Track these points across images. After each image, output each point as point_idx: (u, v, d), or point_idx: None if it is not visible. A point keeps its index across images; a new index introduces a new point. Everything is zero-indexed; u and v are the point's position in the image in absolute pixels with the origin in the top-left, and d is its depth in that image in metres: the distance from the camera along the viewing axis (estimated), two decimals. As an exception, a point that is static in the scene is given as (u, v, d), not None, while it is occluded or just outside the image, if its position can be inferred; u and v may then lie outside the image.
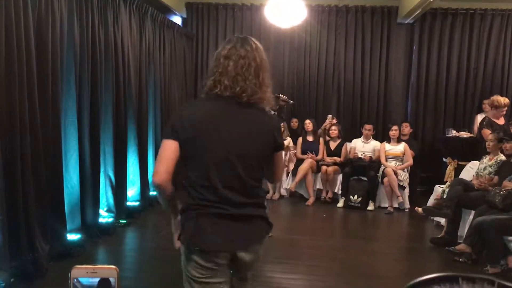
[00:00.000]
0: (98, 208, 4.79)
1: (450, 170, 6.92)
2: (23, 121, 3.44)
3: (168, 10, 7.61)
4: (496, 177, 5.04)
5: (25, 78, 3.46)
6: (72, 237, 4.22)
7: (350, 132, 7.83)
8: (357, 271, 4.25)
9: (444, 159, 7.17)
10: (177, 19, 8.15)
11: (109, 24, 4.89)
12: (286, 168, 7.39)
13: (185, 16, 8.46)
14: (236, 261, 1.90)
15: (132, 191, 5.72)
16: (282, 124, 7.20)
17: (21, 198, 3.43)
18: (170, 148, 1.82)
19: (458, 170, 6.60)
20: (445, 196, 5.24)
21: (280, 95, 5.05)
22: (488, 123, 6.15)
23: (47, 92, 3.77)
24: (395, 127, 6.95)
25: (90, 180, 4.52)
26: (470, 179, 5.50)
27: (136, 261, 4.52)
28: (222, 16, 8.38)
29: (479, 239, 4.34)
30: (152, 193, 6.06)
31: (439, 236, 5.10)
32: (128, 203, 5.59)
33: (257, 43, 1.98)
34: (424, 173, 7.75)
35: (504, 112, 6.27)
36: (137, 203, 5.73)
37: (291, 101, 5.26)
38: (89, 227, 4.57)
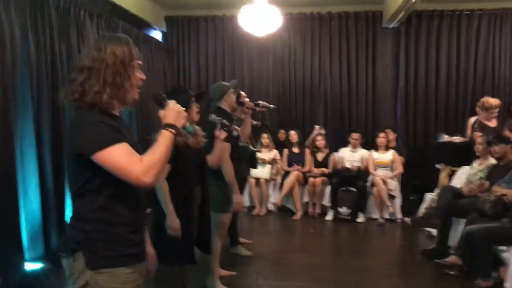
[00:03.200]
0: (65, 233, 4.51)
1: (443, 176, 6.62)
2: None
3: (147, 25, 7.42)
4: (487, 182, 4.75)
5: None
6: (33, 266, 3.95)
7: (338, 142, 7.57)
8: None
9: (437, 166, 6.89)
10: (157, 34, 7.97)
11: (71, 41, 4.67)
12: (273, 182, 7.14)
13: (165, 30, 8.27)
14: None
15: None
16: (266, 135, 6.99)
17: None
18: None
19: (452, 176, 6.32)
20: (434, 205, 4.96)
21: (259, 101, 4.83)
22: (479, 126, 5.91)
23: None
24: (382, 135, 6.70)
25: (53, 204, 4.26)
26: (462, 186, 5.23)
27: None
28: (203, 28, 8.19)
29: (470, 250, 4.05)
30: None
31: (430, 247, 4.81)
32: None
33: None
34: (417, 180, 7.47)
35: (496, 114, 6.03)
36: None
37: (272, 106, 5.00)
38: (54, 255, 4.29)
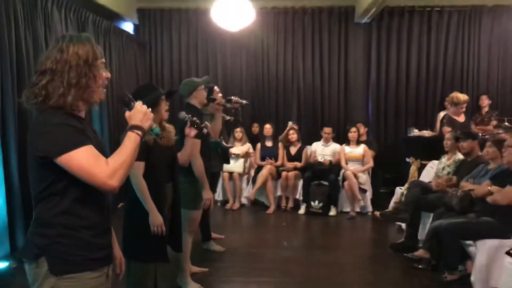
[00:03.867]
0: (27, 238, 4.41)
1: (413, 170, 6.73)
2: None
3: (117, 17, 7.27)
4: (455, 178, 4.85)
5: None
6: (-1, 265, 3.86)
7: (311, 136, 7.61)
8: (309, 285, 4.00)
9: (407, 159, 7.00)
10: (128, 26, 7.82)
11: (38, 33, 4.55)
12: (247, 176, 7.14)
13: (137, 22, 8.13)
14: None
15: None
16: (239, 129, 6.97)
17: None
18: None
19: (422, 170, 6.43)
20: (403, 199, 5.04)
21: (232, 96, 4.80)
22: (448, 121, 6.00)
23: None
24: (353, 129, 6.77)
25: (19, 202, 4.15)
26: (431, 180, 5.32)
27: None
28: (175, 21, 8.09)
29: (437, 244, 4.13)
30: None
31: (399, 241, 4.89)
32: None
33: None
34: (389, 174, 7.60)
35: (464, 109, 6.13)
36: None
37: (245, 101, 4.95)
38: (20, 253, 4.20)
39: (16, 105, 4.13)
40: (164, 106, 2.92)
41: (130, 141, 1.72)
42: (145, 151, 2.64)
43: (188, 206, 3.62)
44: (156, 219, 2.73)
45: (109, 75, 1.83)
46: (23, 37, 4.30)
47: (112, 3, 6.78)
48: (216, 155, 4.54)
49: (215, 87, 4.53)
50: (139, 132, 1.75)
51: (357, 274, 4.33)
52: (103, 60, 1.80)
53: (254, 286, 3.97)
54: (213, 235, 5.10)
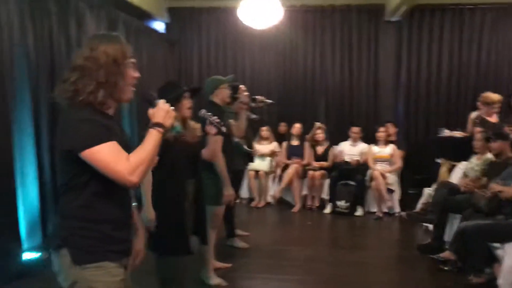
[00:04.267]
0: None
1: (443, 171, 6.59)
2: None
3: (149, 16, 7.41)
4: (485, 179, 4.74)
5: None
6: (31, 255, 4.00)
7: (339, 135, 7.55)
8: (333, 284, 3.99)
9: (438, 160, 6.87)
10: (159, 25, 7.96)
11: (70, 32, 4.69)
12: (273, 174, 7.15)
13: (168, 21, 8.26)
14: None
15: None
16: (265, 127, 7.00)
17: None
18: None
19: (453, 171, 6.30)
20: (431, 200, 4.96)
21: (257, 96, 4.76)
22: (480, 121, 5.87)
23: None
24: (382, 129, 6.69)
25: (51, 194, 4.30)
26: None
27: None
28: (205, 20, 8.18)
29: (464, 246, 4.05)
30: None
31: (426, 242, 4.82)
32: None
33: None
34: (418, 175, 7.46)
35: (497, 109, 5.99)
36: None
37: (270, 101, 4.92)
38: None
39: (49, 101, 4.27)
40: (186, 103, 2.95)
41: (152, 138, 1.76)
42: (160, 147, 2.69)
43: (210, 202, 3.66)
44: (149, 214, 2.73)
45: (138, 74, 1.85)
46: (55, 36, 4.44)
47: (143, 2, 6.91)
48: (239, 153, 4.55)
49: (241, 86, 4.53)
50: (161, 130, 1.78)
51: (382, 274, 4.29)
52: (133, 60, 1.83)
53: (276, 283, 3.99)
54: (238, 232, 5.15)
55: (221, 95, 3.85)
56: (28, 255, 4.01)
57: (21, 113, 3.97)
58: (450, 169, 6.40)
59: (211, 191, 3.63)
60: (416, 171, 7.41)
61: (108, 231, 1.76)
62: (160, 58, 7.45)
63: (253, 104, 4.63)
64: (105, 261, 1.75)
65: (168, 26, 8.28)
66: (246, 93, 4.52)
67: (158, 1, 7.77)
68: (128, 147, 1.77)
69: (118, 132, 1.79)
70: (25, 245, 4.01)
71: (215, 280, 3.90)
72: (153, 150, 1.74)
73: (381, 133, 6.65)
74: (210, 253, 3.88)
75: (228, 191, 3.71)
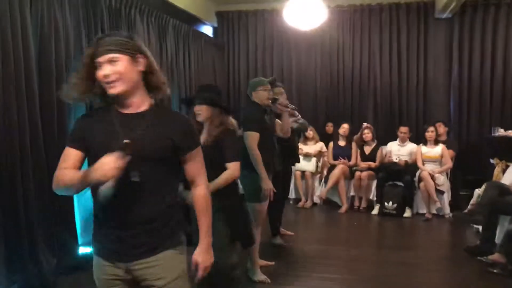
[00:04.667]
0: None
1: (497, 171, 6.37)
2: (22, 133, 3.49)
3: (198, 21, 7.63)
4: (538, 179, 4.57)
5: (25, 94, 3.53)
6: (86, 250, 4.24)
7: (388, 135, 7.45)
8: (375, 284, 3.98)
9: (491, 160, 6.64)
10: (208, 29, 8.17)
11: (122, 38, 4.92)
12: (319, 175, 7.16)
13: (216, 25, 8.46)
14: None
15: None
16: (309, 128, 7.00)
17: (22, 213, 3.48)
18: None
19: (507, 171, 6.08)
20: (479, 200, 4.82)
21: (280, 98, 4.32)
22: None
23: (51, 103, 3.82)
24: (431, 128, 6.54)
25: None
26: (512, 182, 5.04)
27: None
28: (252, 23, 8.32)
29: (514, 248, 3.93)
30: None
31: (475, 244, 4.69)
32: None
33: None
34: (471, 175, 7.22)
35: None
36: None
37: (292, 106, 4.54)
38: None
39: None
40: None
41: (81, 178, 1.68)
42: None
43: (251, 199, 3.76)
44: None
45: (102, 73, 1.75)
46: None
47: (192, 7, 7.14)
48: (281, 153, 4.51)
49: (279, 88, 4.49)
50: (92, 181, 1.66)
51: (426, 275, 4.22)
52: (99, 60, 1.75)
53: (317, 281, 4.02)
54: (282, 231, 5.21)
55: (258, 96, 3.92)
56: (83, 250, 4.25)
57: (76, 111, 4.20)
58: (505, 170, 6.18)
59: (250, 188, 3.72)
60: (468, 171, 7.19)
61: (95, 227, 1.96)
62: (208, 62, 7.63)
63: (275, 105, 4.36)
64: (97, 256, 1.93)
65: (215, 30, 8.49)
66: (283, 95, 4.48)
67: (207, 6, 7.98)
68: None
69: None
70: (80, 240, 4.25)
71: (260, 276, 3.99)
72: (76, 183, 1.71)
73: (430, 132, 6.50)
74: (255, 249, 3.97)
75: (266, 185, 3.76)
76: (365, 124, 7.17)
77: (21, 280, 3.50)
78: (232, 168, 2.96)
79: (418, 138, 7.13)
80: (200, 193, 1.94)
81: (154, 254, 1.81)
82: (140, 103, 1.83)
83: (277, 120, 4.33)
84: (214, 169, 2.83)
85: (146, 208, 1.78)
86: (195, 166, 1.91)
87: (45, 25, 3.78)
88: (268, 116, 3.99)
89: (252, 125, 3.76)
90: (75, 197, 4.18)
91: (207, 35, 7.81)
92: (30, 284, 3.56)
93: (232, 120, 3.16)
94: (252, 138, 3.69)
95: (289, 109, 4.27)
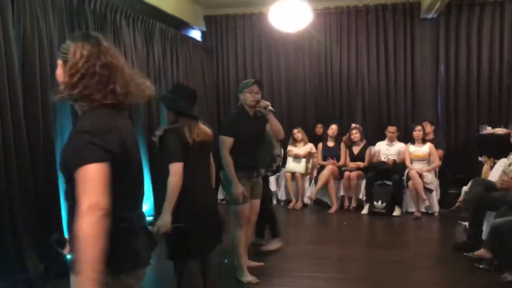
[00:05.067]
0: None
1: (486, 169, 6.44)
2: (7, 141, 3.50)
3: (186, 25, 7.66)
4: (524, 175, 4.62)
5: (9, 102, 3.53)
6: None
7: (377, 136, 7.50)
8: (364, 282, 4.00)
9: (480, 158, 6.70)
10: (196, 33, 8.20)
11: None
12: (309, 176, 7.19)
13: (204, 29, 8.49)
14: None
15: (146, 206, 5.73)
16: (296, 130, 7.05)
17: (7, 219, 3.48)
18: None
19: (495, 169, 6.14)
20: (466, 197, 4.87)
21: (262, 99, 4.04)
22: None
23: (35, 110, 3.82)
24: (418, 127, 6.59)
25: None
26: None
27: (154, 278, 4.22)
28: (240, 26, 8.35)
29: (499, 243, 3.97)
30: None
31: (462, 241, 4.73)
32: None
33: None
34: (460, 174, 7.28)
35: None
36: (151, 218, 5.72)
37: (271, 108, 4.03)
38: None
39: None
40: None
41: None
42: (185, 152, 2.83)
43: (232, 202, 3.81)
44: (165, 220, 2.79)
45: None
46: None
47: (179, 12, 7.16)
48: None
49: (253, 87, 3.95)
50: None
51: (416, 273, 4.25)
52: None
53: (307, 281, 4.04)
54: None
55: (243, 98, 3.92)
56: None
57: (62, 118, 4.22)
58: (493, 167, 6.24)
59: (230, 192, 3.77)
60: (457, 170, 7.26)
61: None
62: (197, 66, 7.65)
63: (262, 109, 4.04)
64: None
65: (204, 33, 8.51)
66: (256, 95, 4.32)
67: (195, 10, 8.01)
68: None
69: None
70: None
71: (247, 277, 4.00)
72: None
73: (417, 131, 6.55)
74: (240, 252, 3.99)
75: (236, 189, 3.76)
76: (353, 125, 7.22)
77: (8, 287, 3.50)
78: (171, 171, 2.81)
79: (406, 137, 7.18)
80: None
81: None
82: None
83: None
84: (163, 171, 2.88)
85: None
86: None
87: (28, 29, 3.79)
88: (253, 120, 3.95)
89: (224, 129, 3.84)
90: (62, 201, 4.18)
91: (195, 39, 7.83)
92: (15, 290, 3.55)
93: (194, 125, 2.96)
94: (223, 142, 3.75)
95: (266, 111, 3.98)
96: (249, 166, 3.86)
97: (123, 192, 1.69)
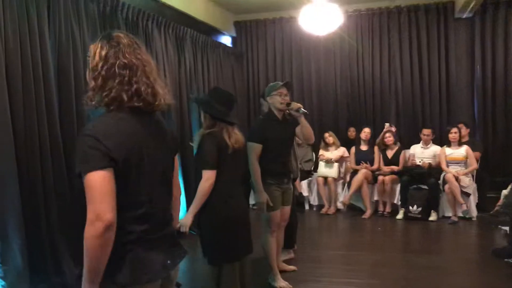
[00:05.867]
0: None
1: (528, 172, 6.23)
2: (43, 143, 3.58)
3: (216, 31, 7.71)
4: None
5: (44, 106, 3.62)
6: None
7: (412, 138, 7.35)
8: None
9: (520, 161, 6.49)
10: (226, 39, 8.25)
11: (140, 50, 5.01)
12: (342, 180, 7.10)
13: (234, 35, 8.53)
14: None
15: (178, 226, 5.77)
16: (327, 134, 7.00)
17: (45, 223, 3.56)
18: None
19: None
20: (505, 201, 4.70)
21: (293, 101, 4.00)
22: None
23: (70, 114, 3.91)
24: (454, 129, 6.40)
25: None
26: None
27: (188, 284, 4.17)
28: (270, 31, 8.36)
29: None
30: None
31: (502, 246, 4.56)
32: (174, 224, 5.63)
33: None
34: (498, 177, 7.04)
35: None
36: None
37: (304, 110, 3.95)
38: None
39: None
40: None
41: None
42: (221, 157, 2.84)
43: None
44: (186, 220, 2.87)
45: None
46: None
47: (210, 18, 7.22)
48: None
49: (281, 89, 3.90)
50: None
51: (452, 278, 4.12)
52: None
53: (339, 286, 3.97)
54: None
55: (272, 102, 3.84)
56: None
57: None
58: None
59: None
60: (496, 173, 7.03)
61: None
62: (227, 71, 7.69)
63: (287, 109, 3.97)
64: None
65: (234, 39, 8.56)
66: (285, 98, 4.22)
67: (225, 16, 8.06)
68: None
69: None
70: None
71: (280, 283, 3.97)
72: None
73: (453, 134, 6.37)
74: (272, 257, 3.96)
75: (259, 198, 3.71)
76: (387, 125, 7.08)
77: (45, 289, 3.58)
78: (203, 177, 2.83)
79: (442, 140, 7.02)
80: None
81: None
82: None
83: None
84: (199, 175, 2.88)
85: None
86: None
87: (63, 38, 3.88)
88: (282, 125, 3.88)
89: (252, 135, 3.74)
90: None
91: (226, 45, 7.88)
92: (54, 294, 3.62)
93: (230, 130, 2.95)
94: (251, 149, 3.65)
95: (299, 114, 3.91)
96: (279, 173, 3.81)
97: (127, 203, 1.60)
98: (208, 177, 2.80)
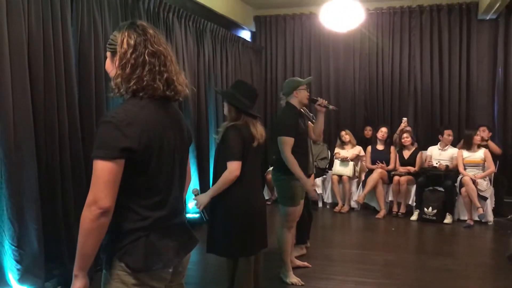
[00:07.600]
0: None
1: (546, 178, 6.13)
2: (62, 132, 3.62)
3: (236, 25, 7.70)
4: None
5: (65, 94, 3.65)
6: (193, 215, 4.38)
7: (429, 139, 7.27)
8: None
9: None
10: (246, 33, 8.23)
11: (160, 41, 5.04)
12: (357, 179, 7.07)
13: (254, 29, 8.52)
14: None
15: (192, 203, 5.78)
16: (344, 132, 6.96)
17: (60, 208, 3.60)
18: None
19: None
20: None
21: (319, 98, 4.20)
22: None
23: (90, 104, 3.94)
24: (483, 128, 6.32)
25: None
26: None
27: (198, 275, 4.26)
28: (290, 27, 8.33)
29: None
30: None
31: (518, 252, 4.51)
32: (188, 215, 5.66)
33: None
34: (517, 182, 6.95)
35: None
36: (197, 215, 5.77)
37: (332, 107, 4.26)
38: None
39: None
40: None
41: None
42: (245, 150, 2.85)
43: (284, 203, 3.77)
44: (204, 198, 2.93)
45: None
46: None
47: (230, 12, 7.22)
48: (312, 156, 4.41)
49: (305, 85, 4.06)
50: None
51: (465, 282, 4.08)
52: None
53: (351, 285, 3.96)
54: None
55: (299, 96, 3.85)
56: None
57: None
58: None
59: (284, 192, 3.74)
60: (514, 177, 6.93)
61: None
62: (246, 66, 7.68)
63: (315, 105, 4.13)
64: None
65: (253, 34, 8.54)
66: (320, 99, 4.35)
67: (245, 11, 8.05)
68: None
69: None
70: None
71: (292, 279, 3.97)
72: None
73: (478, 136, 6.28)
74: (286, 251, 3.95)
75: (308, 187, 3.75)
76: (404, 119, 7.00)
77: (59, 275, 3.62)
78: (229, 168, 2.84)
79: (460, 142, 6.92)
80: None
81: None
82: None
83: (309, 122, 4.27)
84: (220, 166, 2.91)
85: None
86: None
87: (85, 26, 3.90)
88: (302, 119, 3.94)
89: (287, 130, 3.70)
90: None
91: (245, 39, 7.86)
92: (67, 279, 3.66)
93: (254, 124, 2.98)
94: (286, 143, 3.64)
95: (329, 109, 4.17)
96: (304, 166, 3.81)
97: (144, 189, 1.64)
98: (234, 168, 2.82)
